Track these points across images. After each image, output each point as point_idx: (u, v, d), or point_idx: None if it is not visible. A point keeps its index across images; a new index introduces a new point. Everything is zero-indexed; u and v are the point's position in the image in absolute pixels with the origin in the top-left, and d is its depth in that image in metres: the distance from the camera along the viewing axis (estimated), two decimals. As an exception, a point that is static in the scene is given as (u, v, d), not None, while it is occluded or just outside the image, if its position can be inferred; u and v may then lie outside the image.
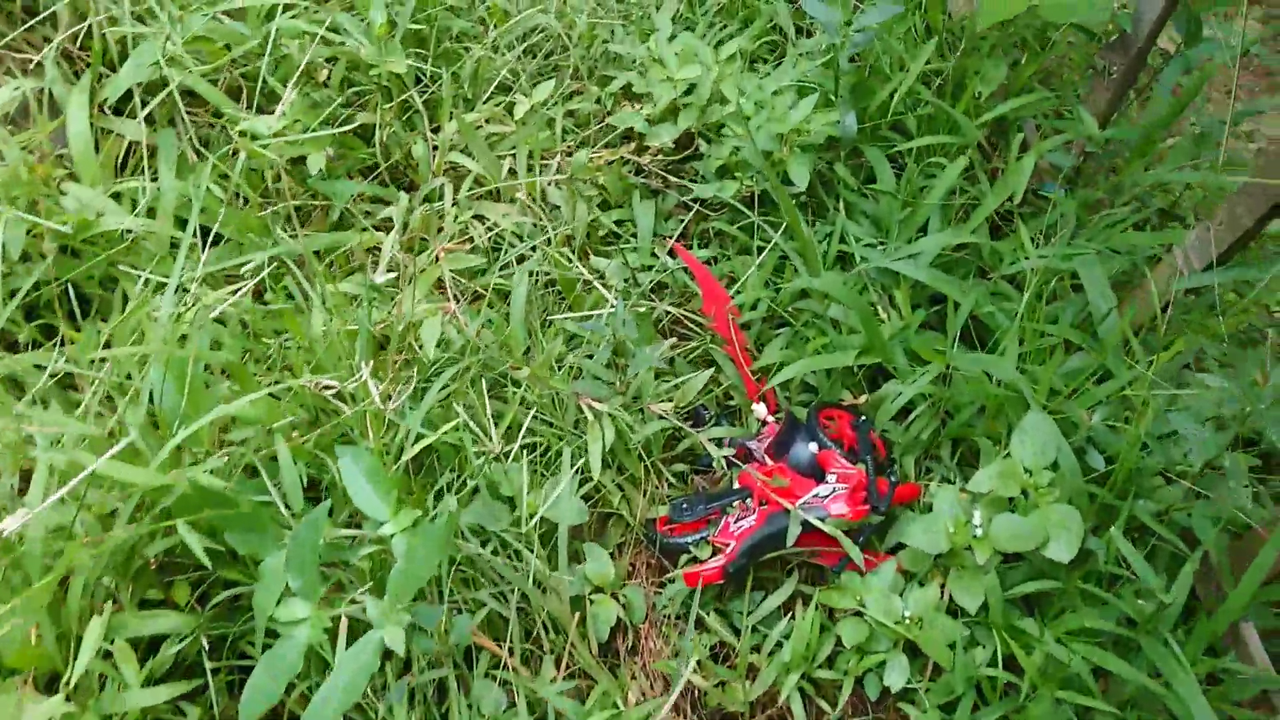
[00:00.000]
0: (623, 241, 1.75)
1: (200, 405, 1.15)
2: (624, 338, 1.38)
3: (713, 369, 1.64)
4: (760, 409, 1.62)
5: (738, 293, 1.64)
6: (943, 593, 1.37)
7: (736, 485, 1.49)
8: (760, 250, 1.68)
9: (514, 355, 1.42)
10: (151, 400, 1.15)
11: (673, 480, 1.56)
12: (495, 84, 1.85)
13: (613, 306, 1.40)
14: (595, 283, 1.47)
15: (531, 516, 1.29)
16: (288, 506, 1.14)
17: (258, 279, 1.20)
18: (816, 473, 1.53)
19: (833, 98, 1.70)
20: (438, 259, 1.49)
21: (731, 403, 1.68)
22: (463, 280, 1.60)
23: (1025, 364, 1.49)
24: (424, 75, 1.84)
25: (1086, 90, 1.69)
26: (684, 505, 1.48)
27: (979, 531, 1.32)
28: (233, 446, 1.18)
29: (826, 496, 1.43)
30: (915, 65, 1.62)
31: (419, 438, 1.22)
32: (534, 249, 1.68)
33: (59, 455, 1.09)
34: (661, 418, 1.49)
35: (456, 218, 1.68)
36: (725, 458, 1.48)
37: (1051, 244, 1.56)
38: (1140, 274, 1.59)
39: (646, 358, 1.38)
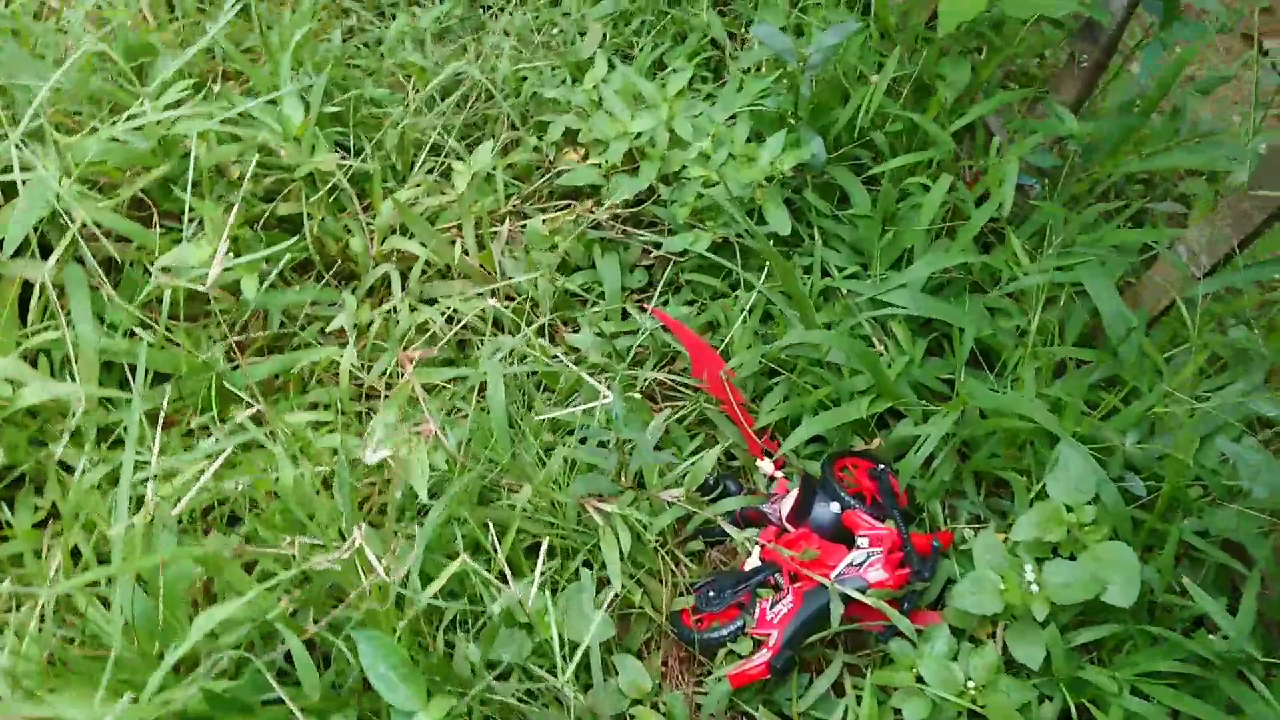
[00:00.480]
0: (590, 307, 1.62)
1: (179, 614, 1.01)
2: (622, 432, 1.26)
3: (718, 442, 1.53)
4: (766, 465, 1.53)
5: (725, 348, 1.54)
6: (998, 645, 1.30)
7: (757, 558, 1.40)
8: (740, 296, 1.57)
9: (507, 470, 1.30)
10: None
11: (689, 563, 1.46)
12: (426, 147, 1.70)
13: (606, 398, 1.28)
14: (581, 373, 1.35)
15: (565, 650, 1.18)
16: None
17: (218, 461, 1.06)
18: (843, 535, 1.44)
19: (791, 121, 1.59)
20: (403, 371, 1.35)
21: (735, 462, 1.58)
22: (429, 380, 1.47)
23: (1042, 388, 1.41)
24: (346, 150, 1.68)
25: (1053, 82, 1.61)
26: (710, 593, 1.39)
27: (1034, 588, 1.25)
28: (223, 646, 1.05)
29: (862, 564, 1.34)
30: (882, 79, 1.51)
31: (430, 605, 1.10)
32: (502, 332, 1.55)
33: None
34: (673, 503, 1.39)
35: (411, 309, 1.54)
36: (750, 539, 1.39)
37: (1047, 253, 1.48)
38: (1139, 270, 1.52)
39: (654, 455, 1.27)
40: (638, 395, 1.54)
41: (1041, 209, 1.52)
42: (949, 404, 1.38)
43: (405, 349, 1.43)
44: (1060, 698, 1.26)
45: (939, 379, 1.49)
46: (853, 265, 1.59)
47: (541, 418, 1.38)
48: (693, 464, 1.41)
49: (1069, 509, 1.29)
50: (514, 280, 1.59)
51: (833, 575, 1.34)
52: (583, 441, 1.31)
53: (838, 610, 1.30)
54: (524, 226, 1.63)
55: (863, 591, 1.32)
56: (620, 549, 1.32)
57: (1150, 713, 1.19)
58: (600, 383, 1.31)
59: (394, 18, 2.02)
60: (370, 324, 1.51)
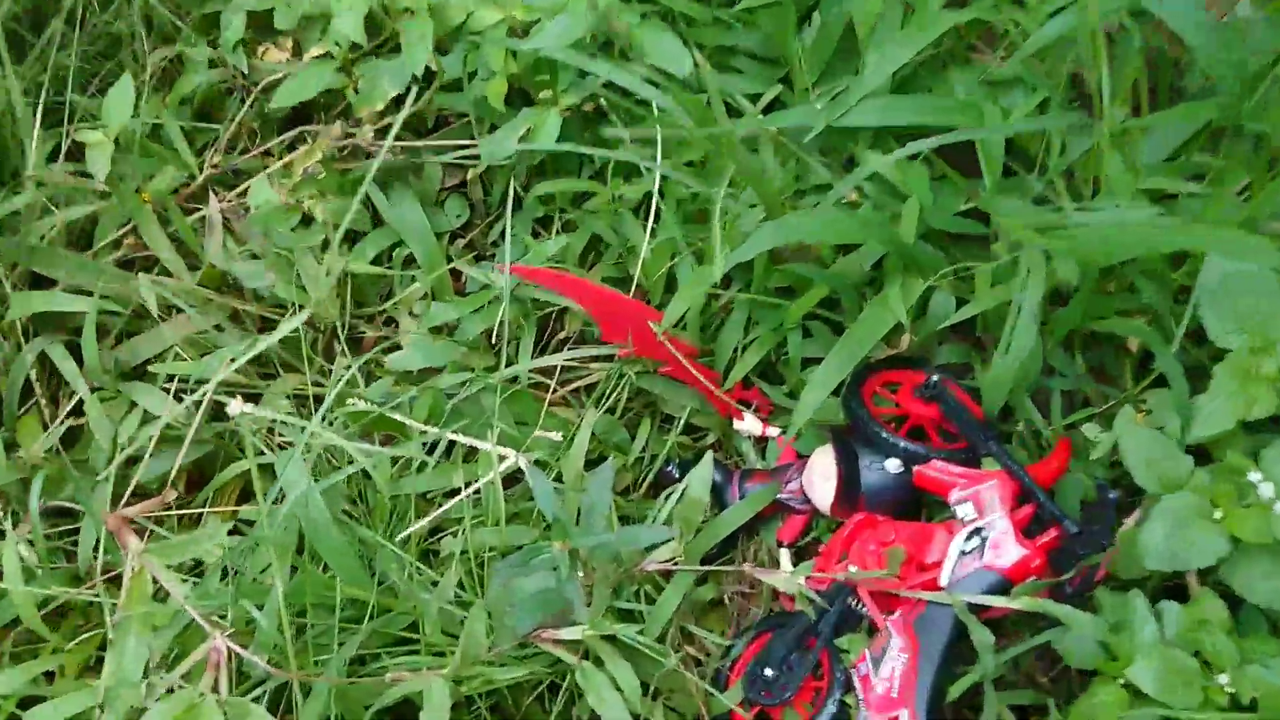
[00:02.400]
0: (404, 287, 1.00)
1: None
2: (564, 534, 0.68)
3: (671, 417, 0.97)
4: (750, 423, 0.99)
5: (641, 286, 0.95)
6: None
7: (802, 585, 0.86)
8: (627, 194, 0.98)
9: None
10: None
11: (708, 631, 0.92)
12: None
13: (508, 461, 0.70)
14: (452, 435, 0.75)
15: None
16: None
17: None
18: (916, 503, 0.93)
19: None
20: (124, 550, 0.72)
21: (702, 438, 1.03)
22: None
23: (1131, 184, 0.90)
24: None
25: None
26: (764, 670, 0.86)
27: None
28: None
29: (980, 546, 0.84)
30: None
31: None
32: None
33: None
34: (668, 575, 0.83)
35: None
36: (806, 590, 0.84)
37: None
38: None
39: (620, 541, 0.70)
40: (525, 389, 0.95)
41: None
42: (1021, 244, 0.85)
43: (118, 506, 0.79)
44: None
45: (959, 217, 0.97)
46: (767, 89, 1.01)
47: (417, 527, 0.78)
48: (681, 498, 0.85)
49: (1255, 349, 0.81)
50: (258, 288, 0.95)
51: (946, 582, 0.83)
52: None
53: (985, 640, 0.80)
54: (243, 197, 0.97)
55: (1006, 591, 0.82)
56: (615, 682, 0.76)
57: None
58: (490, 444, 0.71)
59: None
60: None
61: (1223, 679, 0.77)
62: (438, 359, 0.94)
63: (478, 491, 0.83)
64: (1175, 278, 0.91)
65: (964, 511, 0.85)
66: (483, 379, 0.90)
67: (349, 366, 0.85)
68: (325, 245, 0.96)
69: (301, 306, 0.94)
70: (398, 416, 0.77)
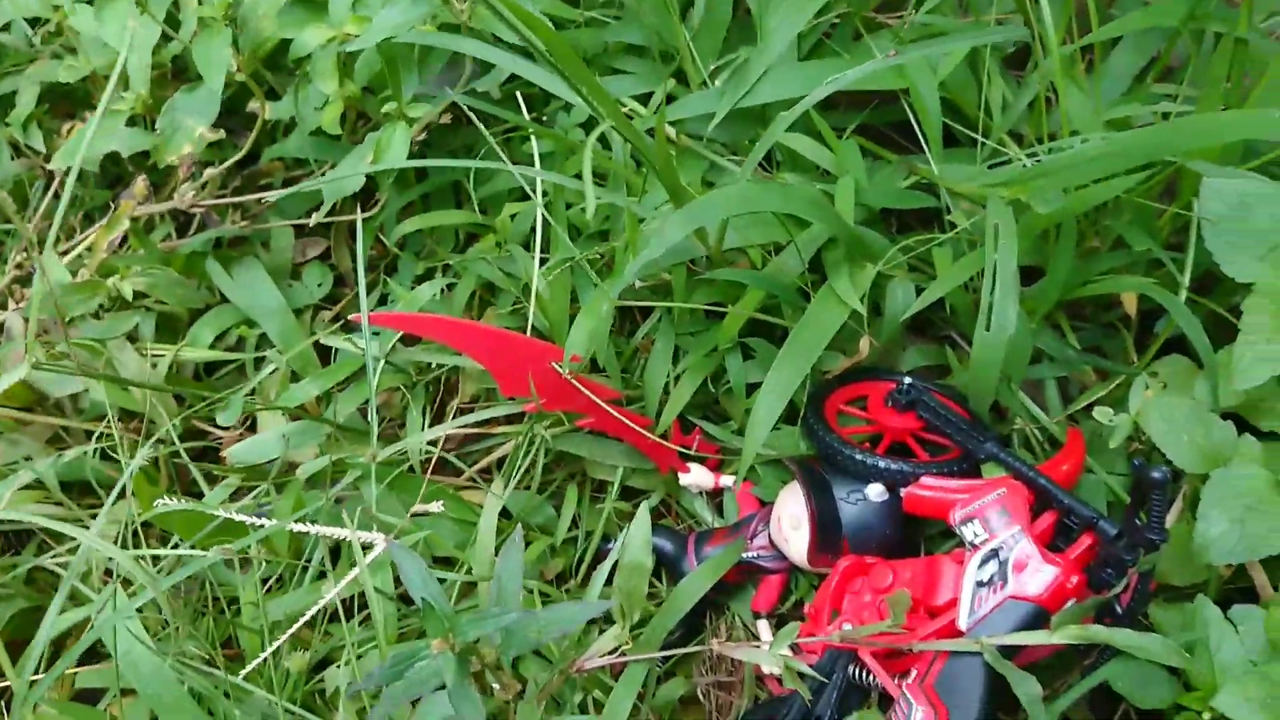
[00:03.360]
0: (261, 374, 0.82)
1: None
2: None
3: (598, 481, 0.80)
4: (698, 474, 0.82)
5: (537, 324, 0.79)
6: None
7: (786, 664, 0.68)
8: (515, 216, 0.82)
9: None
10: None
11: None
12: None
13: (377, 549, 0.52)
14: (324, 530, 0.57)
15: None
16: None
17: None
18: (913, 535, 0.76)
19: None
20: None
21: (643, 501, 0.85)
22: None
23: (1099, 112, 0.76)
24: None
25: None
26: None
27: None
28: None
29: (998, 574, 0.67)
30: None
31: None
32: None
33: None
34: (618, 672, 0.64)
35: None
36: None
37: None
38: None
39: (539, 626, 0.52)
40: (415, 474, 0.78)
41: None
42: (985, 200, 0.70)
43: None
44: None
45: (902, 192, 0.82)
46: (660, 85, 0.87)
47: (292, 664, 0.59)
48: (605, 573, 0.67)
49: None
50: (70, 394, 0.76)
51: (966, 624, 0.66)
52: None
53: (1032, 692, 0.62)
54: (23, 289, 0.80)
55: (1043, 623, 0.64)
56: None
57: None
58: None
59: None
60: None
61: (1337, 694, 0.59)
62: (300, 445, 0.76)
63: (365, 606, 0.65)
64: (1162, 224, 0.78)
65: (971, 533, 0.68)
66: (354, 465, 0.72)
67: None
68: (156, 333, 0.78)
69: (130, 411, 0.75)
70: (222, 512, 0.58)
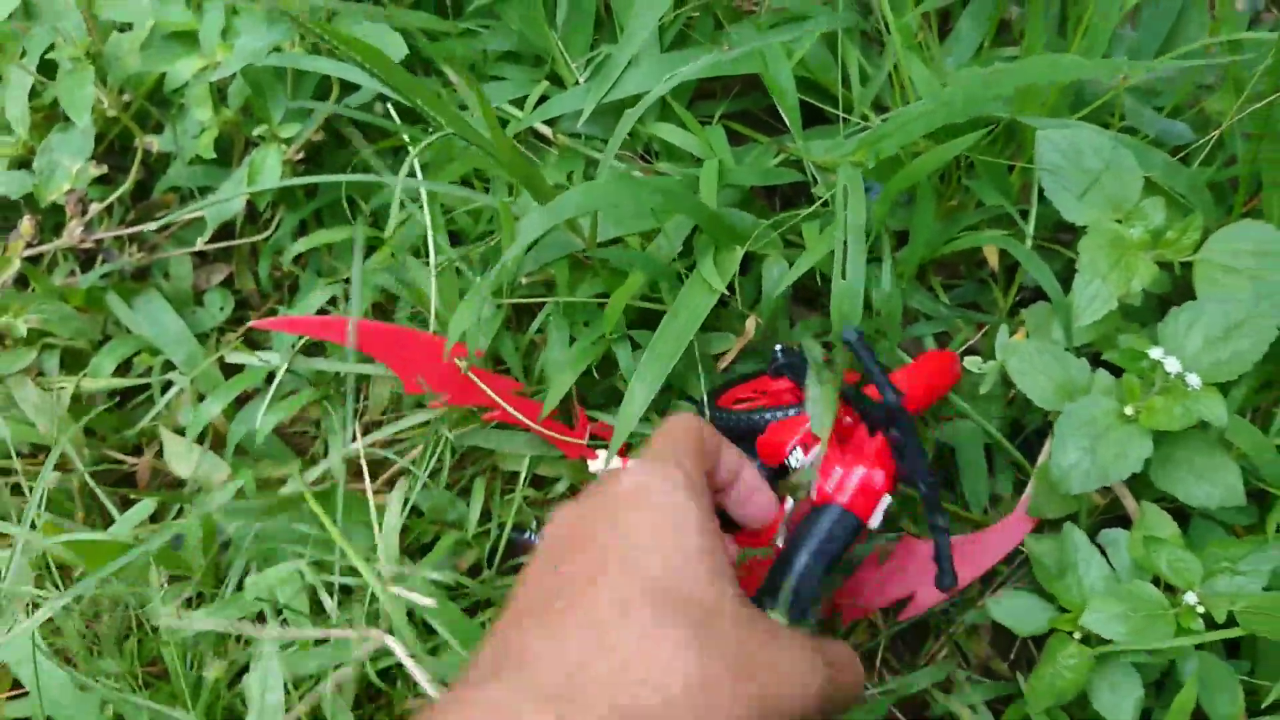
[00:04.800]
0: (159, 392, 0.84)
1: None
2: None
3: (507, 479, 0.83)
4: (604, 460, 0.84)
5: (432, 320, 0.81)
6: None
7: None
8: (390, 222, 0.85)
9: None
10: None
11: None
12: None
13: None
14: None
15: None
16: None
17: None
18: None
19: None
20: None
21: (551, 488, 0.88)
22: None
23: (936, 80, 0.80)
24: None
25: None
26: None
27: (1191, 379, 0.65)
28: None
29: (805, 492, 0.65)
30: None
31: None
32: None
33: None
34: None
35: None
36: None
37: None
38: None
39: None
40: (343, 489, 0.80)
41: None
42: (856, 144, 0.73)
43: None
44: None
45: (770, 170, 0.86)
46: (535, 87, 0.90)
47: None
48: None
49: (1120, 219, 0.71)
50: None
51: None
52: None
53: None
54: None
55: (858, 529, 0.63)
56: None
57: None
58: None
59: None
60: None
61: (1190, 598, 0.64)
62: (207, 472, 0.78)
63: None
64: (1014, 180, 0.82)
65: (796, 460, 0.65)
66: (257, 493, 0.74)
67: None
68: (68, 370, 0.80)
69: (41, 446, 0.77)
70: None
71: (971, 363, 0.78)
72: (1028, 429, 0.80)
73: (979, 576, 0.76)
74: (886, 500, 0.64)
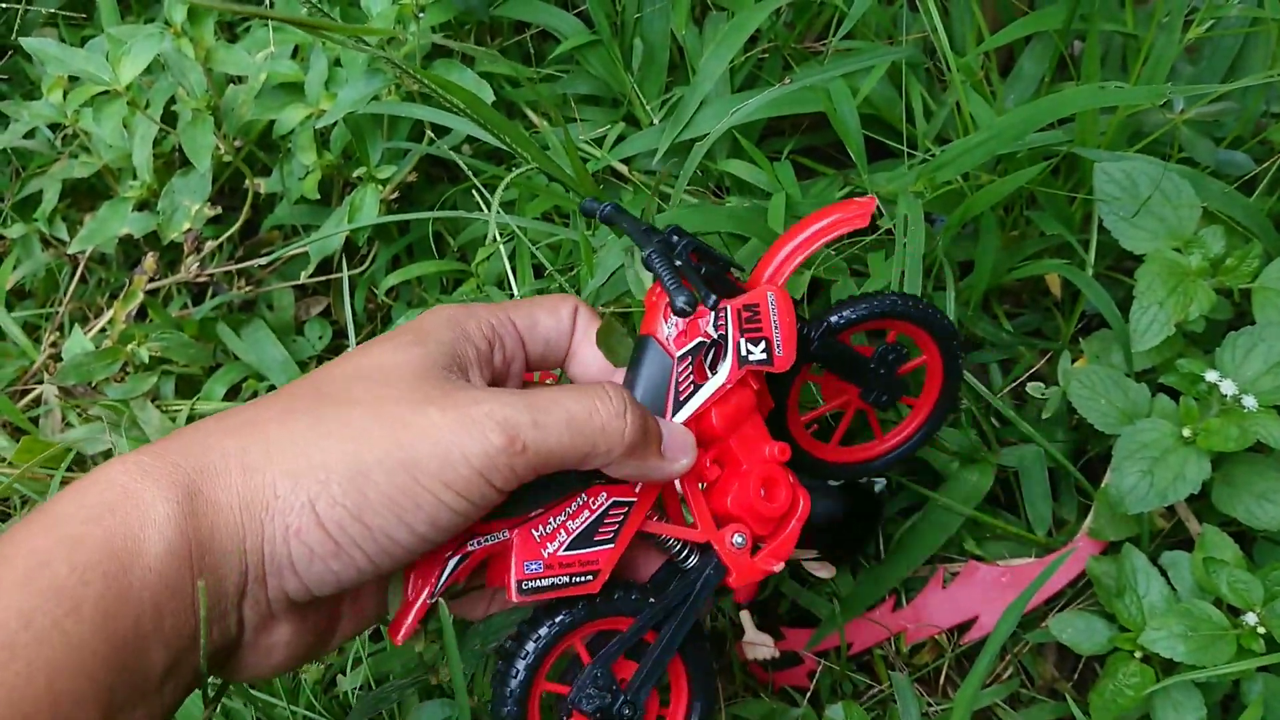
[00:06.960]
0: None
1: None
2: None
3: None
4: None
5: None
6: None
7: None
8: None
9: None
10: None
11: None
12: None
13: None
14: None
15: None
16: None
17: None
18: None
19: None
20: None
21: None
22: None
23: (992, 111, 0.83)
24: None
25: None
26: None
27: (1246, 399, 0.66)
28: None
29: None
30: None
31: None
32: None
33: None
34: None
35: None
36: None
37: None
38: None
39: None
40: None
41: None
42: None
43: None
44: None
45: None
46: (613, 125, 0.96)
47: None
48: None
49: (1179, 248, 0.72)
50: (103, 450, 0.85)
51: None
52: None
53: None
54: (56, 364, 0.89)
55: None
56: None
57: None
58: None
59: None
60: None
61: (1251, 618, 0.65)
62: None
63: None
64: (1074, 211, 0.84)
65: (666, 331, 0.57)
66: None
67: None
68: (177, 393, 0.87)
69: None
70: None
71: (1034, 388, 0.80)
72: (1090, 453, 0.81)
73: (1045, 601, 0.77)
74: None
